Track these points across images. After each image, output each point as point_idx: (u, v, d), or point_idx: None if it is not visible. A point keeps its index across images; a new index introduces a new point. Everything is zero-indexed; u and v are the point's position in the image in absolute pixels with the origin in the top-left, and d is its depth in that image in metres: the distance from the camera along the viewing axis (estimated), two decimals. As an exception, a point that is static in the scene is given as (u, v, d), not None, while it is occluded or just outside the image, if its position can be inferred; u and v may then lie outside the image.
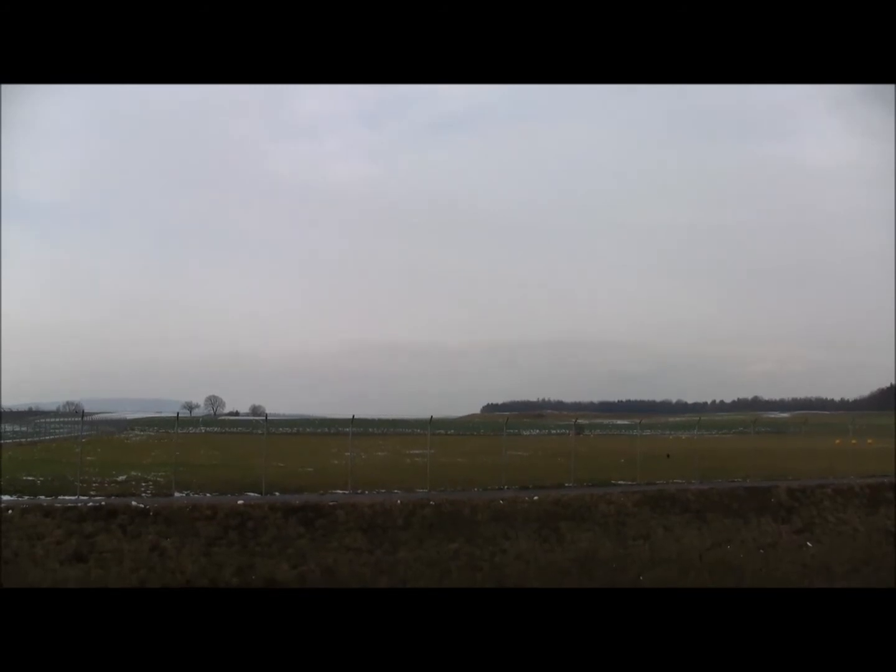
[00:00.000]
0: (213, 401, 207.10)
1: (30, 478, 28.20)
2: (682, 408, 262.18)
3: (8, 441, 55.18)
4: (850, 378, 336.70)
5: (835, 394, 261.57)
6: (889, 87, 7.86)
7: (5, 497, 22.09)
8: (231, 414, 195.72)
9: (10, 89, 11.35)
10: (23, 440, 58.48)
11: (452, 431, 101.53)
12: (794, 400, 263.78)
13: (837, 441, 53.57)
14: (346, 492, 25.77)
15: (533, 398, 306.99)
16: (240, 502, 21.76)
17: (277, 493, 24.69)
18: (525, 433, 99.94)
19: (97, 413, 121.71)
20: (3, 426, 62.70)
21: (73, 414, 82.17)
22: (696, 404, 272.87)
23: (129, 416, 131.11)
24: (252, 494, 24.30)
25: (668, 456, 41.31)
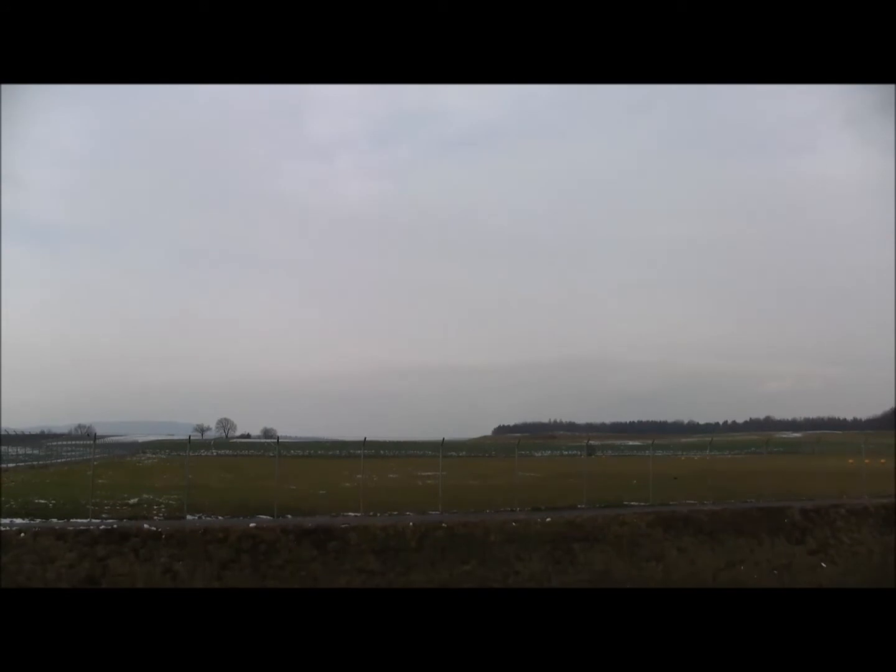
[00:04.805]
0: (225, 423, 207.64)
1: (42, 501, 28.23)
2: (694, 428, 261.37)
3: (20, 464, 55.35)
4: (863, 397, 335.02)
5: (848, 413, 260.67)
6: (889, 87, 7.88)
7: (17, 520, 22.13)
8: (243, 436, 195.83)
9: (11, 89, 11.46)
10: (35, 463, 58.54)
11: (464, 453, 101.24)
12: (807, 419, 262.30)
13: (850, 461, 53.24)
14: (359, 514, 25.70)
15: (544, 419, 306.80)
16: (252, 525, 21.73)
17: (289, 516, 24.64)
18: (537, 454, 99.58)
19: (108, 436, 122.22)
20: (15, 449, 63.06)
21: (85, 437, 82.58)
22: (708, 424, 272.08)
23: (141, 438, 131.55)
24: (264, 517, 24.26)
25: (675, 478, 40.98)
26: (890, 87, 7.47)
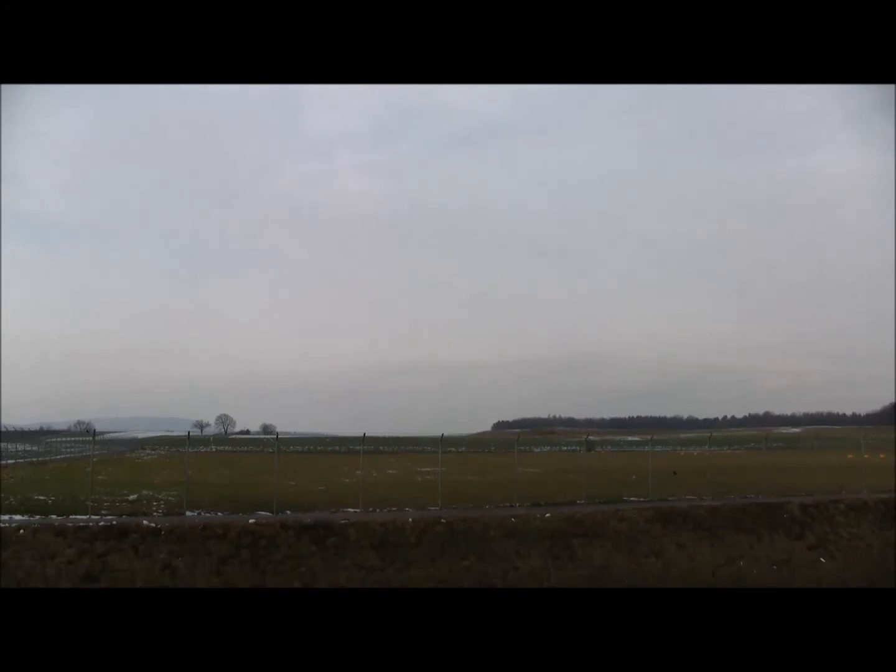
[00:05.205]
0: (224, 419, 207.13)
1: (41, 497, 28.25)
2: (693, 423, 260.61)
3: (20, 460, 55.35)
4: (862, 392, 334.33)
5: (846, 408, 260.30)
6: (889, 87, 7.89)
7: (17, 517, 22.15)
8: (242, 432, 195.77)
9: (11, 89, 11.46)
10: (34, 459, 58.48)
11: (463, 449, 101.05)
12: (806, 415, 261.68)
13: (849, 456, 53.26)
14: (358, 510, 25.71)
15: (544, 415, 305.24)
16: (251, 521, 21.76)
17: (289, 512, 24.64)
18: (536, 450, 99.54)
19: (108, 432, 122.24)
20: (15, 446, 63.02)
21: (84, 433, 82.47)
22: (707, 420, 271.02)
23: (140, 435, 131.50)
24: (263, 513, 24.28)
25: (674, 473, 40.94)
26: (890, 87, 7.49)
